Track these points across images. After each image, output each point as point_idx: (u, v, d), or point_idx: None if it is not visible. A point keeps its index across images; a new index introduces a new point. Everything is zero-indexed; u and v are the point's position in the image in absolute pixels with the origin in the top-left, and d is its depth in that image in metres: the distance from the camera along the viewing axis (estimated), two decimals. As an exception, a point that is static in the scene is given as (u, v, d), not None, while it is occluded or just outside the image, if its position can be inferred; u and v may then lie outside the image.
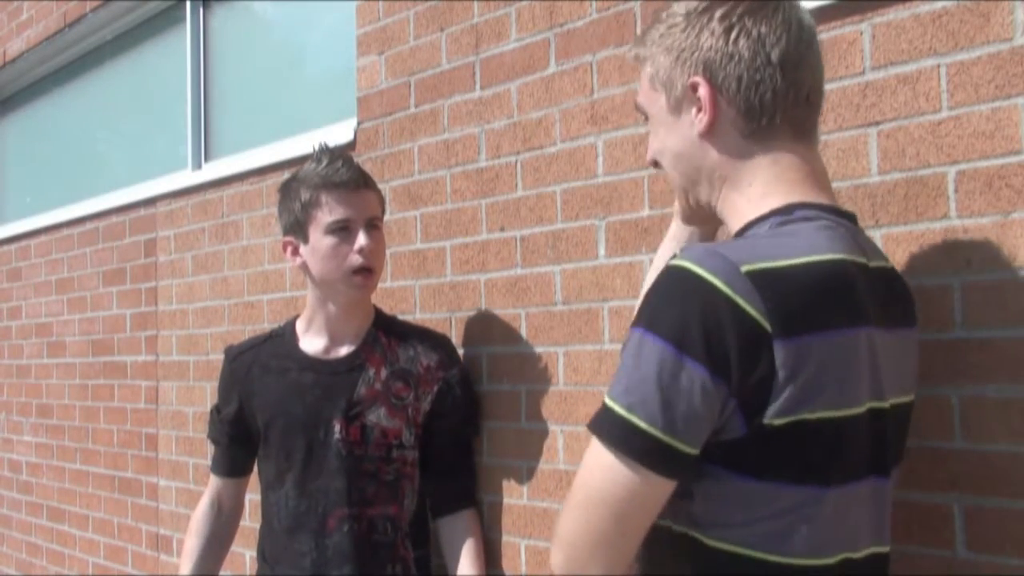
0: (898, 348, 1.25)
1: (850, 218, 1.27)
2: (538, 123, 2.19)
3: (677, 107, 1.27)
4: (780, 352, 1.08)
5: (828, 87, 1.67)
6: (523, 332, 2.22)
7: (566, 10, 2.14)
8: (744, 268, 1.09)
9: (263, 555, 2.25)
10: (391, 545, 2.15)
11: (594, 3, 2.08)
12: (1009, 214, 1.45)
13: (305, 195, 2.08)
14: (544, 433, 2.16)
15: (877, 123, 1.61)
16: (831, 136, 1.67)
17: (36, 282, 4.48)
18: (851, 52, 1.64)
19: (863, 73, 1.63)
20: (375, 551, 2.13)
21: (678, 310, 1.09)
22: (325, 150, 2.15)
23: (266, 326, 2.89)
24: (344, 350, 2.18)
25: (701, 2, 1.25)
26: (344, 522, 2.11)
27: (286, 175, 2.94)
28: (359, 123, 2.69)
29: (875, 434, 1.20)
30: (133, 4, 3.93)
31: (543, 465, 2.16)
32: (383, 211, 2.20)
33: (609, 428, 1.12)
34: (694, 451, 1.11)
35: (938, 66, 1.54)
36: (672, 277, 1.12)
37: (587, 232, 2.08)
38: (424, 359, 2.19)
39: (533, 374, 2.19)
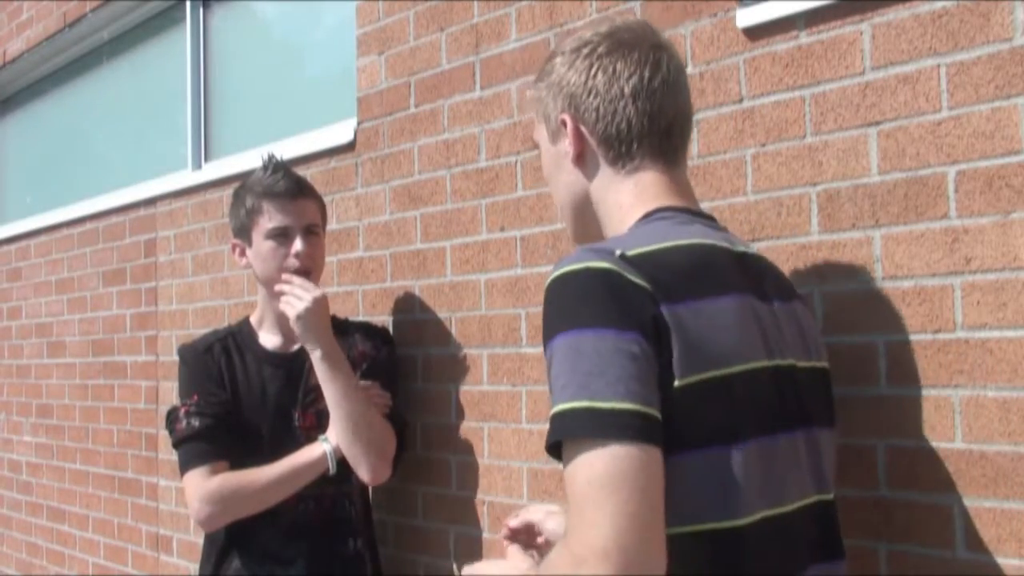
0: (784, 317, 1.32)
1: (707, 216, 1.38)
2: (538, 123, 2.19)
3: (555, 137, 1.42)
4: (667, 316, 1.14)
5: (828, 87, 1.67)
6: (523, 332, 2.22)
7: (566, 10, 2.14)
8: (618, 252, 1.18)
9: (216, 546, 2.27)
10: (350, 520, 2.29)
11: (594, 3, 2.08)
12: (1009, 214, 1.46)
13: (249, 202, 2.27)
14: (544, 433, 2.15)
15: (877, 123, 1.61)
16: (831, 136, 1.67)
17: (36, 282, 4.48)
18: (851, 52, 1.64)
19: (863, 73, 1.63)
20: (336, 526, 2.26)
21: (590, 300, 1.15)
22: (271, 160, 2.32)
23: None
24: (296, 344, 2.29)
25: (578, 41, 1.40)
26: (302, 501, 2.22)
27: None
28: (359, 123, 2.69)
29: (786, 389, 1.26)
30: (133, 4, 3.93)
31: (543, 465, 2.16)
32: (324, 220, 2.36)
33: (587, 424, 1.10)
34: (659, 418, 1.12)
35: (938, 66, 1.54)
36: (565, 282, 1.17)
37: (587, 232, 2.08)
38: (360, 346, 2.34)
39: (533, 374, 2.19)
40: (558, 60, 1.41)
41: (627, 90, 1.34)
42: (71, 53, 4.44)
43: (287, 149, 2.95)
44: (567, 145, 1.39)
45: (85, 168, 4.43)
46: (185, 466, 2.20)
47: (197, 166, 3.57)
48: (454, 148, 2.40)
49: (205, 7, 3.64)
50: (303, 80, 3.27)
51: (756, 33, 1.79)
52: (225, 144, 3.51)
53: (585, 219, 1.42)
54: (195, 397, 2.24)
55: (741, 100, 1.81)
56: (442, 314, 2.42)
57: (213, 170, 3.39)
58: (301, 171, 2.87)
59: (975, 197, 1.49)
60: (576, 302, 1.16)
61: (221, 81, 3.60)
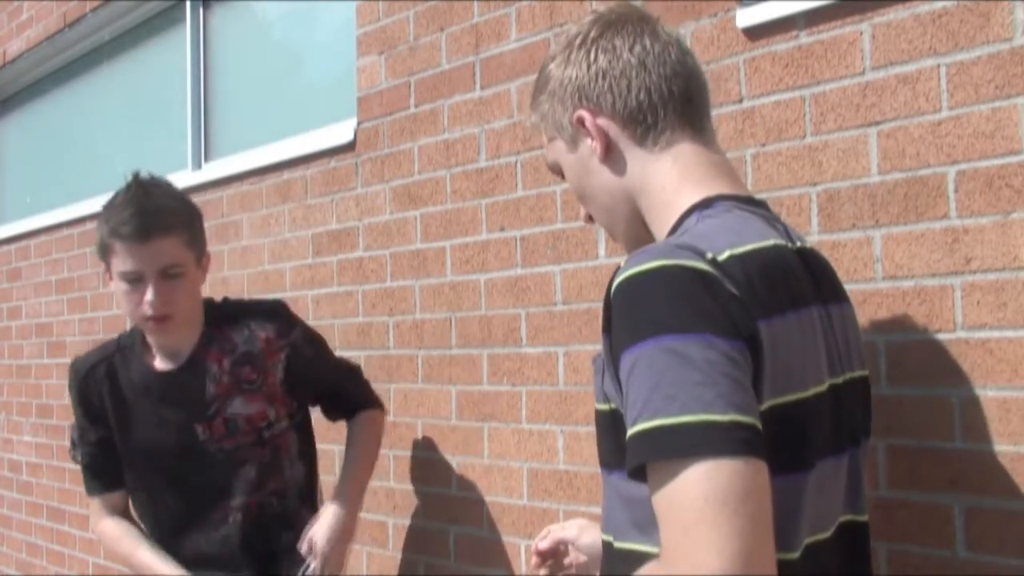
0: (839, 323, 1.24)
1: (763, 206, 1.27)
2: (538, 123, 2.19)
3: (574, 143, 1.32)
4: (764, 333, 1.06)
5: (828, 87, 1.67)
6: (523, 332, 2.22)
7: (566, 10, 2.14)
8: (709, 256, 1.07)
9: None
10: (281, 515, 2.16)
11: (594, 3, 2.08)
12: (1009, 214, 1.46)
13: (102, 236, 2.03)
14: (544, 433, 2.16)
15: (877, 123, 1.61)
16: (831, 136, 1.67)
17: (36, 282, 4.48)
18: (851, 52, 1.65)
19: (863, 73, 1.63)
20: (266, 527, 2.15)
21: (692, 301, 1.03)
22: (131, 185, 2.06)
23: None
24: (183, 358, 2.13)
25: (565, 39, 1.33)
26: (231, 513, 2.12)
27: (286, 175, 2.95)
28: (359, 123, 2.69)
29: (840, 409, 1.19)
30: (133, 4, 3.93)
31: (543, 465, 2.16)
32: (196, 246, 2.09)
33: (706, 439, 0.97)
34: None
35: (938, 66, 1.54)
36: (653, 279, 1.05)
37: (587, 232, 2.08)
38: (261, 332, 2.15)
39: (533, 374, 2.19)
40: (552, 67, 1.33)
41: (633, 60, 1.27)
42: (71, 53, 4.44)
43: (287, 149, 2.96)
44: (590, 144, 1.29)
45: (85, 168, 4.43)
46: (86, 489, 2.23)
47: (197, 166, 3.57)
48: (454, 148, 2.40)
49: (205, 7, 3.64)
50: (303, 80, 3.27)
51: (756, 33, 1.79)
52: (225, 144, 3.51)
53: (633, 219, 1.30)
54: (77, 429, 2.18)
55: (741, 100, 1.81)
56: (442, 314, 2.42)
57: (213, 170, 3.39)
58: (301, 171, 2.88)
59: (975, 197, 1.49)
60: (674, 302, 1.03)
61: (221, 81, 3.60)
